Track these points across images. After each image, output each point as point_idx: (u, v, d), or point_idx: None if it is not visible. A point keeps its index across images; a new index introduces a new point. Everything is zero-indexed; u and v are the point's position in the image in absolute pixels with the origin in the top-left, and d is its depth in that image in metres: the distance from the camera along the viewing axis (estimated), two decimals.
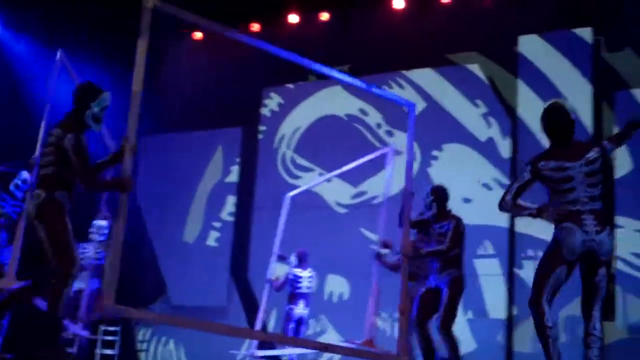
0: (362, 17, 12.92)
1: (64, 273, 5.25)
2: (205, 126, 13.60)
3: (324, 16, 13.18)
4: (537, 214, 5.20)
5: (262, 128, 13.45)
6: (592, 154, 5.06)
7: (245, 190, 13.30)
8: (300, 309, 9.81)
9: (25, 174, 8.98)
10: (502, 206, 5.40)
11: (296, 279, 9.86)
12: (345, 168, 9.68)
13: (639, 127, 5.14)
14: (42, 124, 7.64)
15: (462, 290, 7.04)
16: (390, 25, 12.59)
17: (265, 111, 13.47)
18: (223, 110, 13.44)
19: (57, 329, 5.13)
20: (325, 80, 12.99)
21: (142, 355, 12.98)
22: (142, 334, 13.08)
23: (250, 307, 12.29)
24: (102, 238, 9.36)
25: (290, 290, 9.84)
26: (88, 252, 9.58)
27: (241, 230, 13.14)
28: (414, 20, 12.46)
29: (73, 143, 5.47)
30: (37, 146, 7.47)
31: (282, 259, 9.99)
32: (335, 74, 6.24)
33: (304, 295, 9.84)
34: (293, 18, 13.27)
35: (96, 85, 5.82)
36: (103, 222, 9.38)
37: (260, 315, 9.58)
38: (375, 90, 6.81)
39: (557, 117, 5.24)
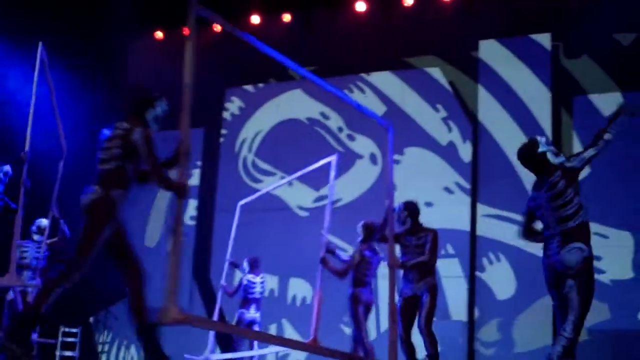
0: (325, 19, 12.94)
1: (65, 273, 5.13)
2: (166, 127, 13.50)
3: (286, 17, 13.17)
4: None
5: (223, 132, 13.40)
6: (554, 178, 5.27)
7: (206, 193, 13.23)
8: (251, 313, 10.03)
9: (7, 167, 8.86)
10: (522, 236, 5.69)
11: (249, 285, 10.08)
12: (288, 179, 9.97)
13: (618, 116, 5.59)
14: (29, 119, 7.58)
15: (437, 294, 7.66)
16: (353, 27, 12.63)
17: (226, 115, 13.43)
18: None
19: (27, 323, 5.04)
20: (285, 84, 13.01)
21: (103, 357, 12.83)
22: (102, 337, 12.94)
23: (213, 309, 12.23)
24: (41, 238, 9.08)
25: (243, 295, 10.07)
26: (28, 251, 9.41)
27: (203, 234, 13.07)
28: (376, 23, 12.51)
29: (143, 135, 5.50)
30: (27, 142, 7.49)
31: (234, 265, 10.36)
32: (306, 76, 6.17)
33: (256, 300, 10.08)
34: (255, 19, 13.24)
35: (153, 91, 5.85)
36: (45, 221, 9.06)
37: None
38: (355, 104, 7.24)
39: (523, 157, 5.52)
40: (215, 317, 9.82)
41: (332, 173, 8.35)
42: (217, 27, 13.33)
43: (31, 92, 7.79)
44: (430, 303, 7.48)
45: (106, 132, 5.51)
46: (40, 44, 8.04)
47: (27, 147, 7.47)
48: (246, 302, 10.03)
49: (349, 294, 8.23)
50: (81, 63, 12.90)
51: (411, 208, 8.05)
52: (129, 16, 12.62)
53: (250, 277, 10.13)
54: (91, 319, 13.06)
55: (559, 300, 5.18)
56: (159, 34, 13.80)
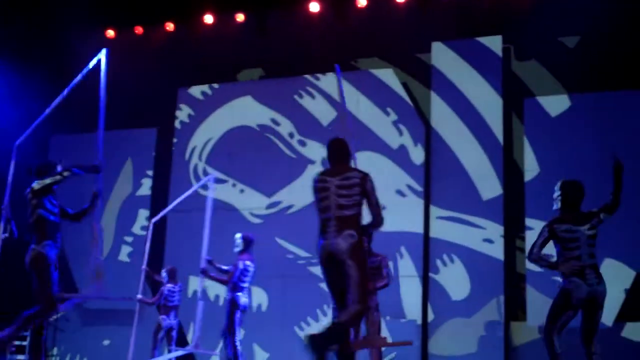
0: (278, 20, 12.85)
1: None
2: (116, 126, 13.36)
3: (240, 17, 13.08)
4: (556, 266, 6.34)
5: (174, 140, 13.25)
6: (594, 221, 6.39)
7: (157, 203, 13.07)
8: (170, 320, 10.97)
9: None
10: (530, 257, 6.50)
11: (170, 294, 11.03)
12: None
13: (620, 172, 6.41)
14: None
15: None
16: (306, 29, 12.59)
17: (176, 123, 13.29)
18: (136, 113, 13.24)
19: None
20: (235, 90, 12.94)
21: None
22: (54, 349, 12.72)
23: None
24: None
25: (163, 302, 11.00)
26: None
27: (155, 240, 12.92)
28: (330, 25, 12.49)
29: (373, 184, 5.86)
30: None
31: (149, 274, 11.03)
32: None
33: (175, 308, 11.06)
34: (208, 18, 13.13)
35: None
36: None
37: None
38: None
39: (575, 192, 6.54)
40: (135, 324, 10.26)
41: (211, 193, 9.91)
42: (170, 26, 13.25)
43: None
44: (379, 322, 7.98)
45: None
46: None
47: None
48: (166, 309, 10.97)
49: (227, 299, 9.22)
50: (27, 62, 12.76)
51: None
52: (79, 14, 12.48)
53: (169, 286, 11.00)
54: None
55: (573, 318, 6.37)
56: (111, 33, 13.62)
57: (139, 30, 13.55)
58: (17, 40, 12.68)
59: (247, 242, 9.33)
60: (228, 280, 9.19)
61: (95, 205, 7.72)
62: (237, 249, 9.35)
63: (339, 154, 6.07)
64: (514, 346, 10.77)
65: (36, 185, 7.25)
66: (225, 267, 9.62)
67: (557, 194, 6.58)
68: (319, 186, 5.87)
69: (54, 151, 13.48)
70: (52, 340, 12.36)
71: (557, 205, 6.56)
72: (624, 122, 10.75)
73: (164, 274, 11.17)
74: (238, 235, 9.44)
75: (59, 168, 7.52)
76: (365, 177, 5.88)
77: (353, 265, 5.53)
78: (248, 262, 9.23)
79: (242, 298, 9.16)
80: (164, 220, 12.67)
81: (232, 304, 9.11)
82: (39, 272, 6.92)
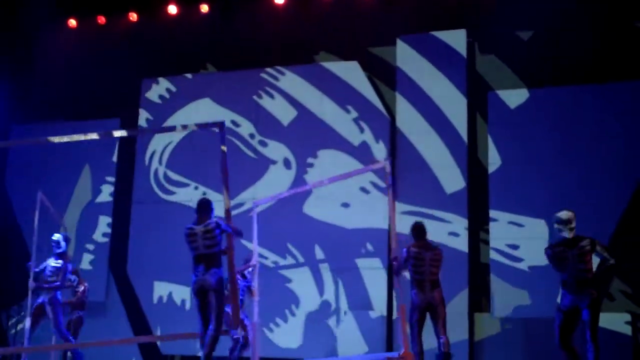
0: (242, 11, 12.79)
1: None
2: (79, 117, 13.23)
3: (204, 8, 12.99)
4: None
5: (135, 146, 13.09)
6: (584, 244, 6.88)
7: (119, 209, 12.89)
8: None
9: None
10: None
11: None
12: None
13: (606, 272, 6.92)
14: None
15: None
16: (270, 21, 12.55)
17: (140, 120, 13.10)
18: (98, 103, 13.16)
19: None
20: (194, 90, 12.82)
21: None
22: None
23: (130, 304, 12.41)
24: None
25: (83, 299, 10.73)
26: None
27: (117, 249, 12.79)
28: (293, 18, 12.46)
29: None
30: None
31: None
32: None
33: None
34: (172, 9, 13.04)
35: None
36: None
37: None
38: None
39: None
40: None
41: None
42: (133, 16, 13.11)
43: None
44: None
45: None
46: None
47: None
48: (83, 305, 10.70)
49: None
50: None
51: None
52: (41, 3, 12.32)
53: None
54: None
55: None
56: (72, 22, 13.40)
57: (101, 19, 13.39)
58: None
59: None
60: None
61: None
62: None
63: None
64: (478, 339, 10.80)
65: None
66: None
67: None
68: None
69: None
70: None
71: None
72: (579, 115, 10.86)
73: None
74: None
75: None
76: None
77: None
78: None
79: None
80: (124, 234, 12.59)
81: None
82: None
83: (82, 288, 10.84)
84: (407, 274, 8.19)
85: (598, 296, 6.64)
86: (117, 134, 9.47)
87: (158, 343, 12.03)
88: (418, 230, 8.33)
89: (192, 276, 7.21)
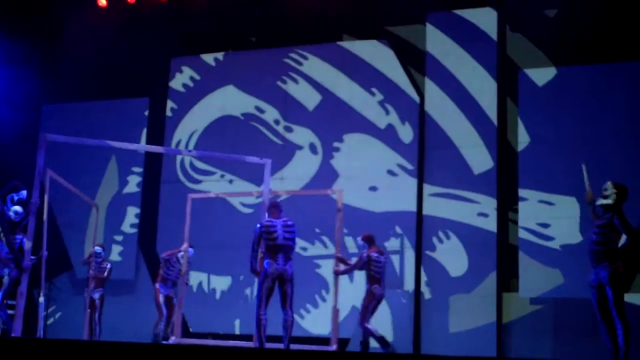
0: None
1: None
2: (108, 96, 13.33)
3: None
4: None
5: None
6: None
7: (147, 199, 12.91)
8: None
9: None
10: None
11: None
12: None
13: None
14: None
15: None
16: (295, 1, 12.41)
17: (167, 111, 13.09)
18: (127, 81, 13.16)
19: None
20: (217, 79, 12.78)
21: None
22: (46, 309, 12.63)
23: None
24: None
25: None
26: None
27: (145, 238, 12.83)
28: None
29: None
30: None
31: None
32: None
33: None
34: None
35: None
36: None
37: None
38: None
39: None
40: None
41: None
42: None
43: None
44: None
45: None
46: None
47: None
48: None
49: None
50: (18, 31, 12.70)
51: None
52: None
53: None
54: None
55: None
56: (102, 1, 13.36)
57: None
58: (7, 6, 12.52)
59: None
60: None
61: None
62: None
63: None
64: (506, 321, 10.69)
65: None
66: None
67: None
68: None
69: (45, 121, 13.46)
70: (45, 310, 12.24)
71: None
72: (607, 92, 10.68)
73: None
74: None
75: None
76: None
77: None
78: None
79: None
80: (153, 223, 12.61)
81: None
82: None
83: (108, 265, 11.24)
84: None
85: (615, 269, 6.41)
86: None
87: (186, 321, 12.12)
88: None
89: (269, 262, 7.69)
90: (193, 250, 10.54)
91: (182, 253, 10.31)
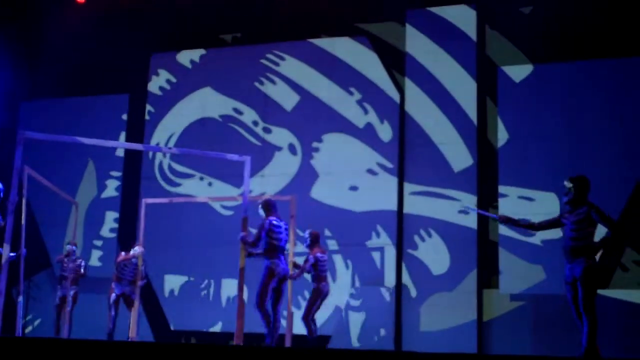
0: None
1: None
2: (86, 93, 13.23)
3: None
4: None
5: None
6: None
7: (126, 203, 12.81)
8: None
9: None
10: None
11: None
12: None
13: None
14: None
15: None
16: None
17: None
18: (107, 78, 13.12)
19: None
20: (194, 82, 12.71)
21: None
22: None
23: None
24: None
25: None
26: None
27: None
28: None
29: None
30: None
31: None
32: None
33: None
34: None
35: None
36: None
37: None
38: None
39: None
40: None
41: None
42: None
43: None
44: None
45: None
46: None
47: None
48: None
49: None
50: None
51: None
52: None
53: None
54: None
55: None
56: None
57: None
58: None
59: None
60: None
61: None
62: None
63: None
64: (487, 319, 10.71)
65: None
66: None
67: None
68: None
69: (24, 118, 13.40)
70: (24, 308, 12.13)
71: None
72: (583, 89, 10.77)
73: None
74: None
75: None
76: None
77: None
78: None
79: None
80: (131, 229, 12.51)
81: None
82: None
83: (83, 262, 11.34)
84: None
85: (590, 265, 6.28)
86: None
87: (168, 318, 12.09)
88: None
89: (275, 263, 7.77)
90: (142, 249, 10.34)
91: (136, 258, 10.20)
